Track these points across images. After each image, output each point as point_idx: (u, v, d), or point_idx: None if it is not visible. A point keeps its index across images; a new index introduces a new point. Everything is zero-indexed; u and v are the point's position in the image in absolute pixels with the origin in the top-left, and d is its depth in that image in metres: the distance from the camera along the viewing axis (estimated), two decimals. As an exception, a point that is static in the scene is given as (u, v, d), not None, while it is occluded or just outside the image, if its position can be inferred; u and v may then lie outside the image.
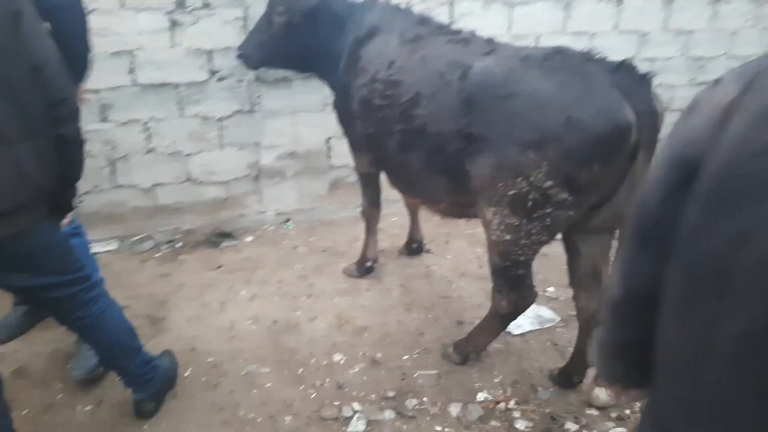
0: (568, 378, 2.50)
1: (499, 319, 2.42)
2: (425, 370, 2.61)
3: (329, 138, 4.24)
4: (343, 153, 4.38)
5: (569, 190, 1.92)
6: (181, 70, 3.75)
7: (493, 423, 2.32)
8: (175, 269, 3.41)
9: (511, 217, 2.07)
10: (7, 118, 1.51)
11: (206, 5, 3.67)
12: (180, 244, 3.73)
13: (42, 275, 1.79)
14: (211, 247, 3.71)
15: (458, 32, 2.46)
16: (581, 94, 1.85)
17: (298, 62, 3.22)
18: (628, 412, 2.39)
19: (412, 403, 2.39)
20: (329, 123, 4.19)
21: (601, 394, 2.42)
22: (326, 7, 2.94)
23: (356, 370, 2.59)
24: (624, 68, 1.87)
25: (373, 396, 2.44)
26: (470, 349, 2.60)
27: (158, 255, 3.62)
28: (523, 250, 2.14)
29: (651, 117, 1.83)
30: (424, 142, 2.26)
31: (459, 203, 2.36)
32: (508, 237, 2.11)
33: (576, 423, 2.32)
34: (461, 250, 3.72)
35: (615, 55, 2.06)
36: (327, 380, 2.52)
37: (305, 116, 4.04)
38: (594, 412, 2.39)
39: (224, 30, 3.75)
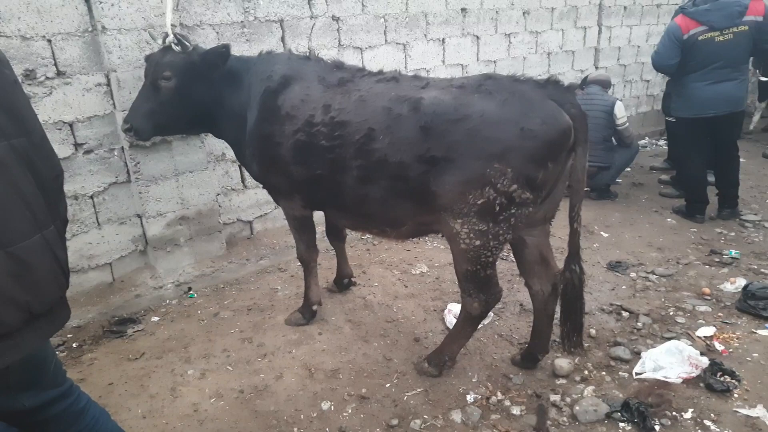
0: (532, 358, 2.82)
1: (472, 321, 2.64)
2: (411, 390, 2.69)
3: (217, 195, 4.06)
4: (231, 208, 4.26)
5: (530, 190, 2.24)
6: (40, 148, 3.27)
7: (494, 416, 2.51)
8: (89, 371, 2.91)
9: (479, 224, 2.31)
10: (36, 198, 1.26)
11: (60, 74, 3.28)
12: (76, 344, 3.20)
13: (47, 389, 1.48)
14: (116, 338, 3.25)
15: (381, 72, 2.67)
16: (525, 109, 2.20)
17: (192, 125, 3.13)
18: (586, 372, 2.79)
19: (416, 423, 2.46)
20: (215, 179, 4.06)
21: (564, 363, 2.80)
22: None
23: (349, 411, 2.56)
24: (551, 83, 2.27)
25: (378, 430, 2.44)
26: (446, 358, 2.76)
27: (54, 362, 3.05)
28: (491, 252, 2.39)
29: (582, 118, 2.25)
30: (385, 172, 2.39)
31: (422, 222, 2.53)
32: (477, 242, 2.35)
33: (556, 393, 2.64)
34: (382, 275, 3.87)
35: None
36: (327, 430, 2.44)
37: (190, 177, 3.81)
38: (562, 380, 2.74)
39: (85, 98, 3.39)
